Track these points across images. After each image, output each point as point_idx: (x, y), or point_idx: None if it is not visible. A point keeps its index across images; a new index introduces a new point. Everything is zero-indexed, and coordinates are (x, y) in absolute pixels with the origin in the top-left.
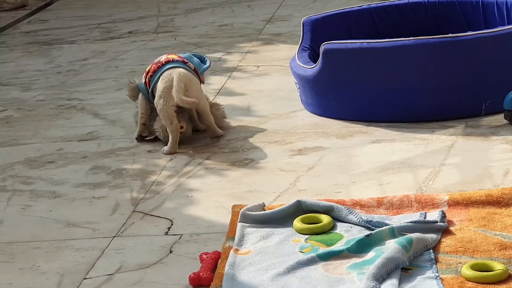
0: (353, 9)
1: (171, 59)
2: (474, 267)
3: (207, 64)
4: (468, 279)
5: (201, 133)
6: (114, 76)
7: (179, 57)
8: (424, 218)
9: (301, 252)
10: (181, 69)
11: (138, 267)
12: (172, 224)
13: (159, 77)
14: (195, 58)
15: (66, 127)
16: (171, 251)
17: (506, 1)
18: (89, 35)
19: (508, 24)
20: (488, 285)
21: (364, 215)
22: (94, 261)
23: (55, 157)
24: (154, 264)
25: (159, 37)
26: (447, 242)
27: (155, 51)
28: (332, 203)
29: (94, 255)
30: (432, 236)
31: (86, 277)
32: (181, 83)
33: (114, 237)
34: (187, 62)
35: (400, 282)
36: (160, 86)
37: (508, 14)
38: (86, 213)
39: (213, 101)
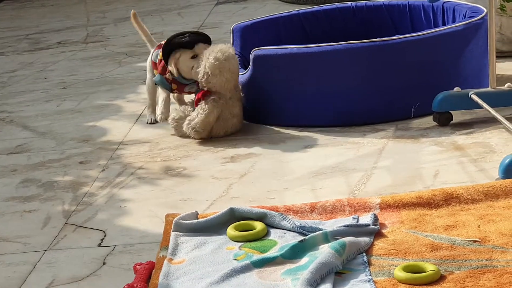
0: (282, 15)
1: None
2: (407, 269)
3: None
4: (401, 281)
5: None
6: (43, 88)
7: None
8: (357, 222)
9: (235, 259)
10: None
11: (71, 280)
12: (105, 236)
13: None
14: None
15: None
16: (104, 263)
17: (432, 5)
18: (17, 46)
19: (435, 27)
20: (421, 286)
21: (298, 221)
22: (25, 276)
23: None
24: (88, 276)
25: (88, 47)
26: (379, 245)
27: (85, 61)
28: (265, 210)
29: (25, 270)
30: (365, 239)
31: None
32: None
33: (46, 250)
34: None
35: (334, 286)
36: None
37: (435, 18)
38: (16, 227)
39: None
